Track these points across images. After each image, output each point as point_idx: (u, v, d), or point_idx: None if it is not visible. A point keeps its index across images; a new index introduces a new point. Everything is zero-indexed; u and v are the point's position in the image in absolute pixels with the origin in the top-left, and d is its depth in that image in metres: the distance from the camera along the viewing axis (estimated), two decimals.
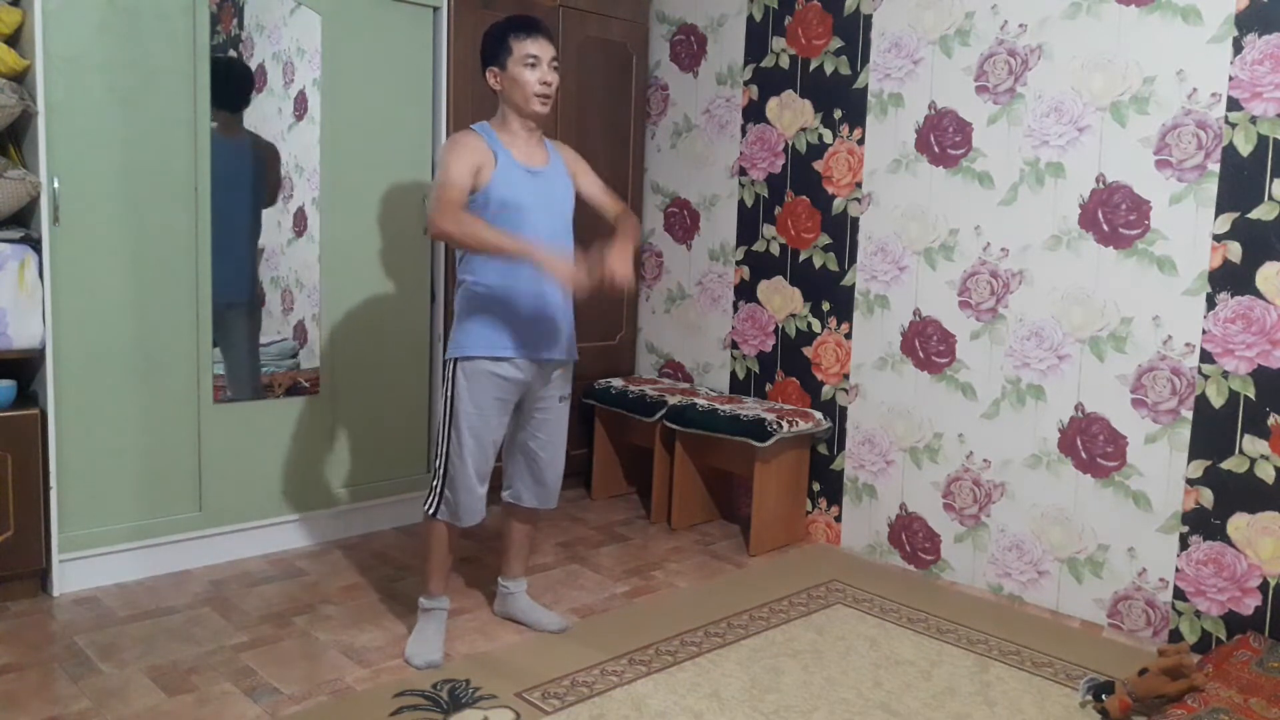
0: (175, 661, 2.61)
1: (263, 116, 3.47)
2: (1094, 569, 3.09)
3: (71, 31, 2.87)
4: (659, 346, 4.46)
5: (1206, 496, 2.86)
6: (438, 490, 2.69)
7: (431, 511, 2.71)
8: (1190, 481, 2.89)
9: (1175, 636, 2.94)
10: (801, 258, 3.85)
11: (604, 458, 4.26)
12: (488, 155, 2.60)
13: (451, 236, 2.51)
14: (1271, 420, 2.75)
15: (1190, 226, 2.86)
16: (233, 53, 3.34)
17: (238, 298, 3.43)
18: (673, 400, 3.87)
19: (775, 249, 3.94)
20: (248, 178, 3.45)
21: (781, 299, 3.93)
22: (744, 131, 4.02)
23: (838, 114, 3.69)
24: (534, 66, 2.62)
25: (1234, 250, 2.79)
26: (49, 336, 2.88)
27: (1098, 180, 3.03)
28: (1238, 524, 2.81)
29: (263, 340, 3.56)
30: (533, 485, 2.84)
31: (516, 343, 2.63)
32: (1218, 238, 2.81)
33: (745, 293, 4.07)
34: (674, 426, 3.79)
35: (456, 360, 2.64)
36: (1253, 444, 2.78)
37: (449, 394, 2.66)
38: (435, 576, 2.77)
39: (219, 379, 3.30)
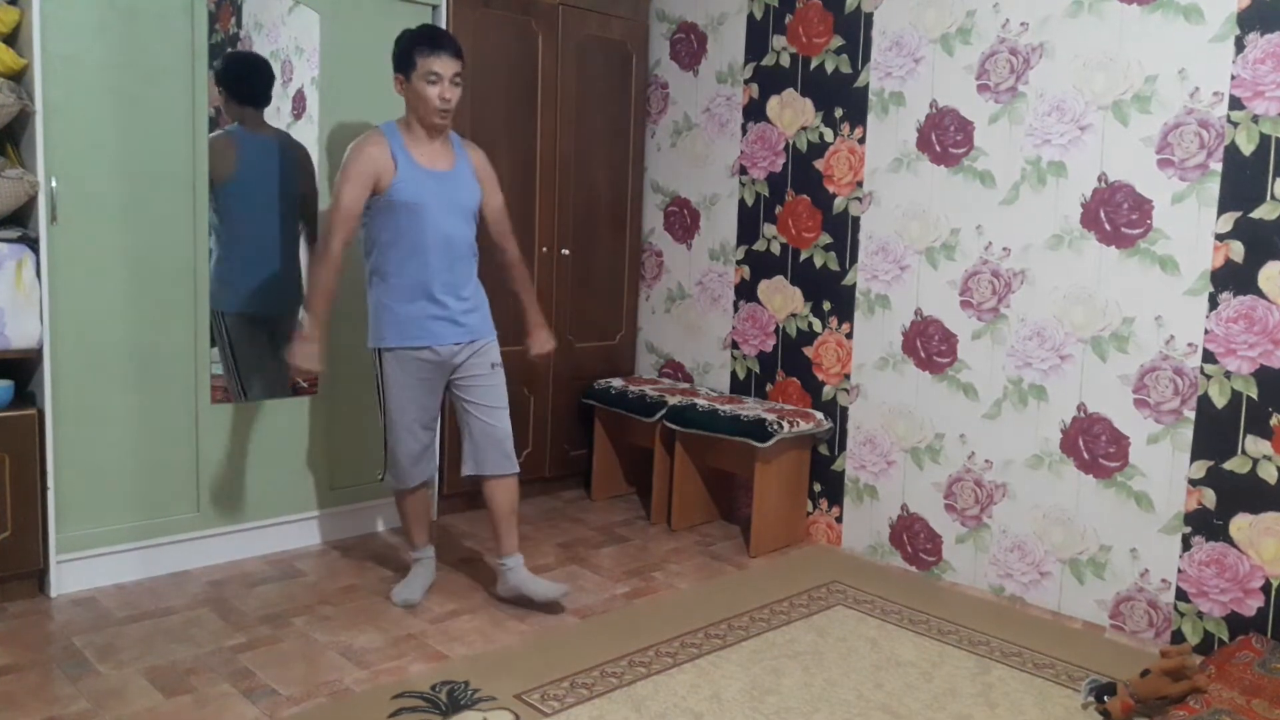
0: (173, 662, 2.60)
1: (262, 115, 3.46)
2: (1096, 570, 3.08)
3: (70, 31, 2.86)
4: (659, 346, 4.45)
5: (1209, 497, 2.85)
6: (385, 461, 3.02)
7: (380, 476, 3.06)
8: (1192, 482, 2.88)
9: (1177, 637, 2.93)
10: (802, 257, 3.84)
11: (604, 458, 4.25)
12: (387, 162, 2.79)
13: (317, 261, 2.83)
14: (1274, 420, 2.74)
15: (1192, 226, 2.85)
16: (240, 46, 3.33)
17: (266, 311, 3.42)
18: (673, 400, 3.86)
19: (776, 248, 3.93)
20: (275, 177, 3.42)
21: (782, 299, 3.92)
22: (744, 130, 4.01)
23: (839, 113, 3.68)
24: (435, 83, 2.78)
25: (1236, 250, 2.77)
26: (46, 336, 2.87)
27: (1099, 179, 3.02)
28: (1240, 525, 2.80)
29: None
30: (482, 451, 2.98)
31: (423, 334, 2.86)
32: (1220, 237, 2.80)
33: (746, 292, 4.06)
34: (674, 427, 3.78)
35: (380, 349, 2.90)
36: (1255, 444, 2.77)
37: (379, 379, 2.94)
38: (414, 531, 3.11)
39: (217, 379, 3.30)
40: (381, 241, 2.84)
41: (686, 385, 4.19)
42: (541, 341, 3.18)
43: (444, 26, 3.62)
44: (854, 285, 3.67)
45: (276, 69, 3.44)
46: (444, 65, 2.77)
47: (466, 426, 2.99)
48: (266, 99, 3.39)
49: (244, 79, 3.26)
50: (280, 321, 3.47)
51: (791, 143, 3.85)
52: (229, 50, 3.29)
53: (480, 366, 2.96)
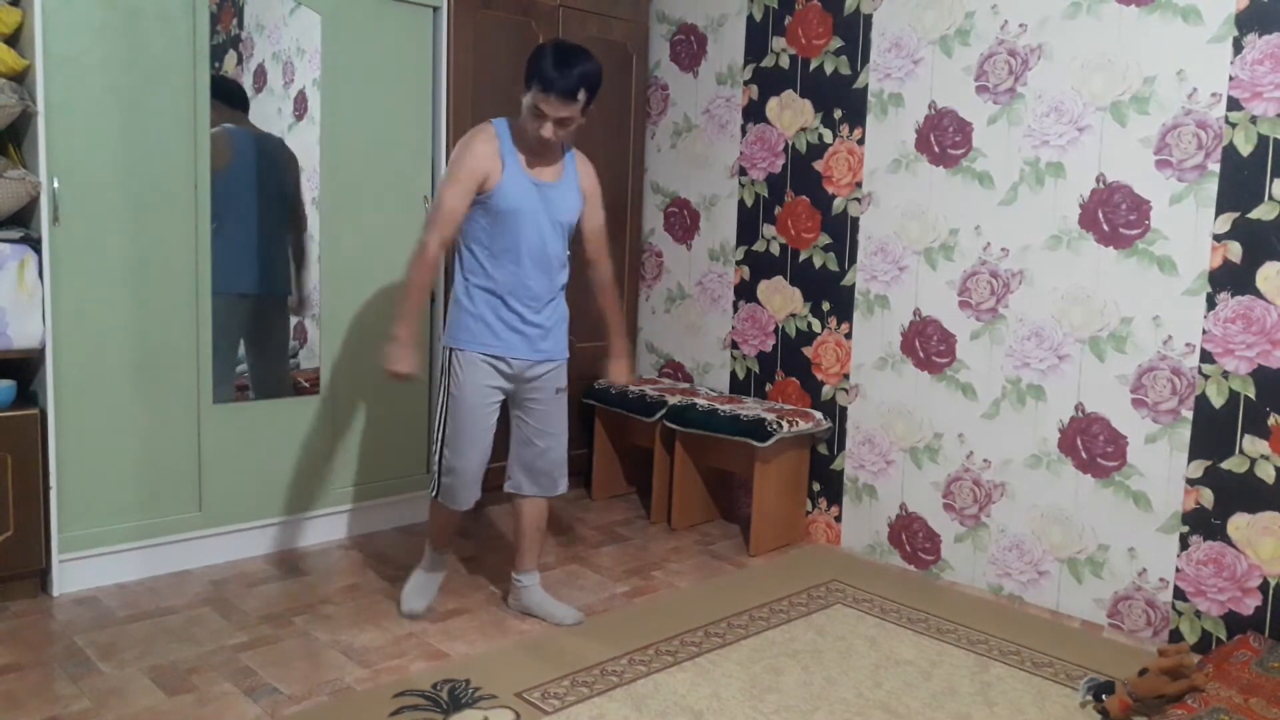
0: (175, 661, 2.61)
1: (263, 116, 3.47)
2: (1094, 569, 3.09)
3: (71, 31, 2.87)
4: (659, 346, 4.46)
5: (1207, 496, 2.86)
6: (437, 476, 2.84)
7: (434, 494, 2.87)
8: (1190, 481, 2.89)
9: (1175, 636, 2.94)
10: (801, 258, 3.85)
11: (604, 458, 4.26)
12: (495, 163, 2.67)
13: (414, 261, 2.71)
14: (1272, 420, 2.75)
15: (1190, 226, 2.86)
16: (219, 66, 3.32)
17: (250, 290, 3.43)
18: (673, 400, 3.87)
19: (775, 249, 3.94)
20: (277, 168, 3.45)
21: (781, 299, 3.93)
22: (744, 131, 4.02)
23: (838, 114, 3.69)
24: (539, 118, 2.63)
25: (1234, 250, 2.78)
26: (49, 336, 2.88)
27: (1098, 180, 3.03)
28: (1238, 524, 2.81)
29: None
30: (531, 474, 2.90)
31: (502, 343, 2.74)
32: (1218, 238, 2.81)
33: (745, 293, 4.07)
34: (674, 426, 3.79)
35: (452, 350, 2.77)
36: (1253, 444, 2.78)
37: (445, 382, 2.79)
38: (439, 535, 2.98)
39: (240, 378, 3.33)
40: (474, 241, 2.72)
41: (686, 385, 4.20)
42: (619, 372, 3.02)
43: (444, 27, 3.63)
44: (853, 285, 3.68)
45: (278, 70, 3.45)
46: (552, 108, 2.60)
47: (521, 447, 2.88)
48: (245, 103, 3.40)
49: (220, 94, 3.26)
50: (261, 302, 3.48)
51: (791, 144, 3.85)
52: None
53: (547, 390, 2.84)
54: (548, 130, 2.64)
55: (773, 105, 3.90)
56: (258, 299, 3.46)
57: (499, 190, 2.67)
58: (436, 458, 2.83)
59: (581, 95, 2.62)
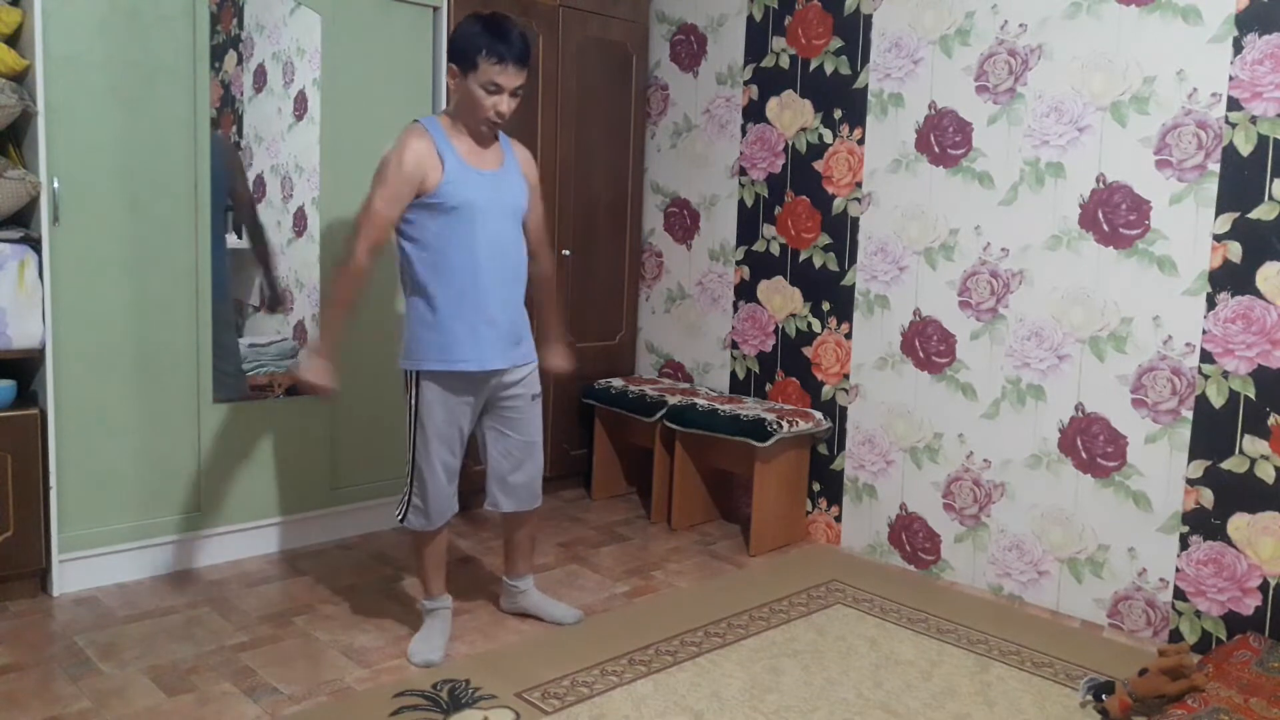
0: (175, 661, 2.61)
1: (263, 116, 3.47)
2: (1094, 569, 3.09)
3: (71, 31, 2.87)
4: (659, 346, 4.46)
5: (1207, 496, 2.86)
6: (406, 498, 2.70)
7: (400, 518, 2.72)
8: (1190, 481, 2.89)
9: (1175, 636, 2.94)
10: (801, 258, 3.85)
11: (604, 458, 4.26)
12: (433, 160, 2.52)
13: (339, 270, 2.61)
14: (1272, 420, 2.75)
15: (1190, 226, 2.86)
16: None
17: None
18: (673, 400, 3.87)
19: (775, 249, 3.94)
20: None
21: (781, 299, 3.93)
22: (744, 131, 4.02)
23: (838, 114, 3.69)
24: (494, 93, 2.51)
25: (1234, 250, 2.78)
26: (49, 336, 2.88)
27: (1098, 180, 3.03)
28: (1238, 524, 2.81)
29: (262, 340, 3.56)
30: (509, 489, 2.80)
31: (466, 354, 2.58)
32: (1218, 238, 2.81)
33: (745, 293, 4.07)
34: (674, 426, 3.79)
35: (418, 372, 2.61)
36: (1253, 444, 2.78)
37: (413, 403, 2.63)
38: (431, 579, 2.78)
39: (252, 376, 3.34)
40: (424, 248, 2.56)
41: (686, 385, 4.20)
42: (559, 357, 2.98)
43: (444, 27, 3.63)
44: (853, 285, 3.68)
45: (278, 70, 3.45)
46: (508, 78, 2.49)
47: (497, 458, 2.76)
48: None
49: None
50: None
51: (791, 144, 3.85)
52: None
53: (523, 397, 2.74)
54: (505, 105, 2.52)
55: (773, 105, 3.90)
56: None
57: (444, 188, 2.51)
58: (409, 479, 2.67)
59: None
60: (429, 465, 2.64)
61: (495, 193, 2.60)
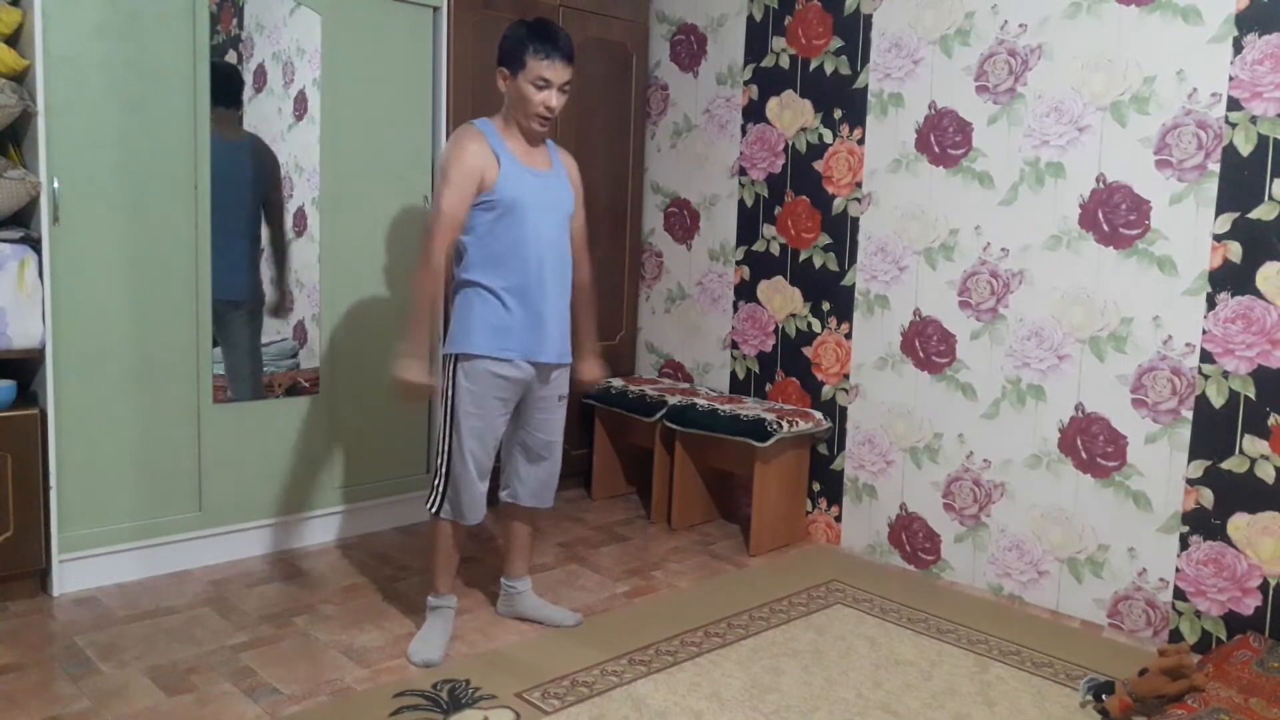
0: (175, 661, 2.61)
1: (263, 116, 3.47)
2: (1094, 569, 3.09)
3: (71, 31, 2.87)
4: (659, 346, 4.46)
5: (1207, 496, 2.86)
6: (440, 489, 2.71)
7: (434, 510, 2.73)
8: (1190, 481, 2.89)
9: (1175, 636, 2.94)
10: (801, 258, 3.85)
11: (604, 458, 4.26)
12: (490, 159, 2.62)
13: (419, 271, 2.62)
14: (1272, 420, 2.75)
15: (1190, 226, 2.86)
16: (230, 55, 3.33)
17: (236, 296, 3.42)
18: (673, 400, 3.87)
19: (775, 249, 3.94)
20: (245, 175, 3.43)
21: (781, 299, 3.93)
22: (744, 131, 4.02)
23: (838, 114, 3.69)
24: (543, 88, 2.62)
25: (1234, 250, 2.78)
26: (49, 336, 2.88)
27: (1098, 180, 3.03)
28: (1238, 524, 2.81)
29: (263, 340, 3.56)
30: (531, 485, 2.85)
31: (517, 344, 2.65)
32: (1218, 237, 2.81)
33: (745, 293, 4.07)
34: (674, 426, 3.79)
35: (457, 358, 2.65)
36: (1253, 444, 2.78)
37: (450, 392, 2.67)
38: (442, 575, 2.79)
39: (219, 379, 3.30)
40: (479, 242, 2.63)
41: (686, 385, 4.20)
42: (593, 367, 2.96)
43: (444, 27, 3.63)
44: (853, 285, 3.68)
45: (278, 70, 3.45)
46: (555, 73, 2.60)
47: (519, 454, 2.82)
48: (237, 101, 3.39)
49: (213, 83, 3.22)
50: (237, 308, 3.46)
51: (791, 144, 3.85)
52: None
53: (551, 398, 2.78)
54: (554, 99, 2.63)
55: (773, 105, 3.90)
56: (215, 304, 3.37)
57: (501, 184, 2.60)
58: (441, 471, 2.69)
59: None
60: (461, 454, 2.67)
61: (546, 193, 2.69)
